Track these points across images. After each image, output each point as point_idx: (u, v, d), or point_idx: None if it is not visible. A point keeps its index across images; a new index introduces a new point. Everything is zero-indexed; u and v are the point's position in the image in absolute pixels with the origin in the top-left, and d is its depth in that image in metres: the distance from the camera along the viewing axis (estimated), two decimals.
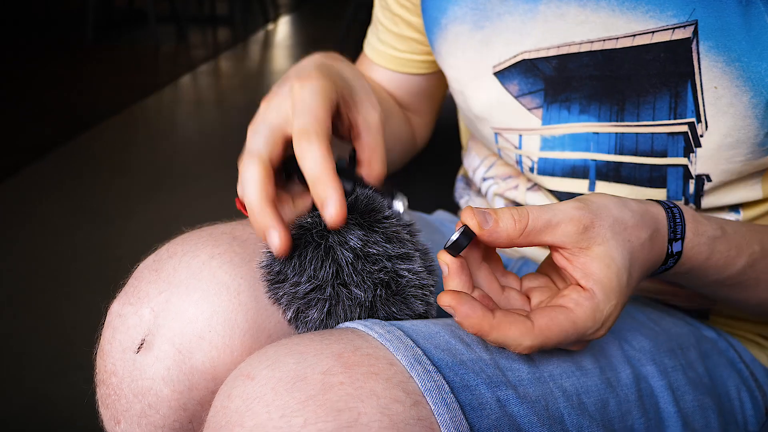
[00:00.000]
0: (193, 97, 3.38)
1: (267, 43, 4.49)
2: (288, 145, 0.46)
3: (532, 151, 0.61)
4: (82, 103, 3.07)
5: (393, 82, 0.74)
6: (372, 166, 0.49)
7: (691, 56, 0.50)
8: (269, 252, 0.46)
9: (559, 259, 0.42)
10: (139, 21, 4.63)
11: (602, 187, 0.59)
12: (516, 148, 0.63)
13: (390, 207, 0.48)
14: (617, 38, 0.53)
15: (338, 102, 0.48)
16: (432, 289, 0.48)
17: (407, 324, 0.44)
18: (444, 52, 0.64)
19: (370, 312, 0.46)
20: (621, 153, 0.56)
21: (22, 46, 4.02)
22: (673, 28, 0.50)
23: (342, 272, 0.45)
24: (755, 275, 0.50)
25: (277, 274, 0.46)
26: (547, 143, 0.60)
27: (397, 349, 0.40)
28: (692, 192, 0.55)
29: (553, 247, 0.43)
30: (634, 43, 0.52)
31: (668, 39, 0.50)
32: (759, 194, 0.56)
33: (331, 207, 0.42)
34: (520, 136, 0.62)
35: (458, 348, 0.43)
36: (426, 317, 0.48)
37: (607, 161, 0.57)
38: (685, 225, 0.45)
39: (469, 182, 0.78)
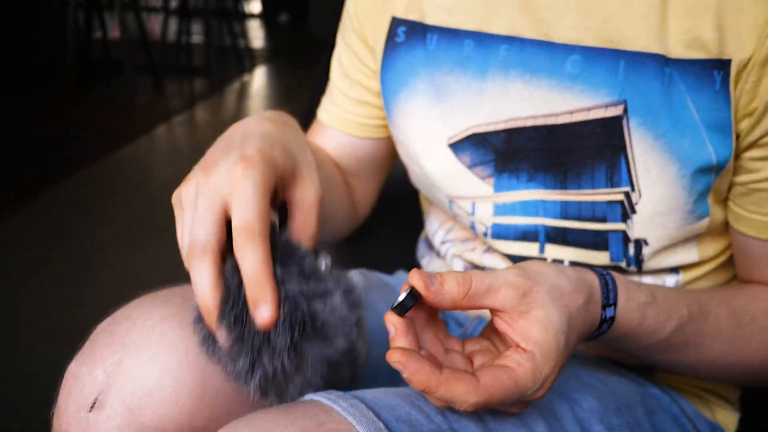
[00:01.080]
0: (169, 147, 3.42)
1: (243, 94, 4.56)
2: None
3: (486, 217, 0.65)
4: (56, 153, 3.09)
5: (344, 147, 0.76)
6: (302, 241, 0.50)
7: (623, 132, 0.54)
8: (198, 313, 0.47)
9: (499, 323, 0.45)
10: (116, 71, 4.69)
11: (551, 249, 0.63)
12: (469, 215, 0.67)
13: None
14: (557, 114, 0.57)
15: (277, 183, 0.48)
16: (352, 325, 0.48)
17: (370, 395, 0.47)
18: (401, 123, 0.68)
19: (296, 353, 0.45)
20: (566, 218, 0.61)
21: None
22: (606, 106, 0.55)
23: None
24: (684, 339, 0.53)
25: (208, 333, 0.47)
26: (499, 209, 0.64)
27: (360, 422, 0.43)
28: (632, 254, 0.60)
29: (494, 312, 0.45)
30: (573, 119, 0.57)
31: (602, 116, 0.55)
32: (696, 257, 0.61)
33: (264, 311, 0.42)
34: (474, 203, 0.66)
35: (418, 418, 0.46)
36: (354, 353, 0.48)
37: (555, 226, 0.62)
38: (617, 291, 0.49)
39: (430, 244, 0.81)
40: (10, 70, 4.70)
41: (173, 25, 5.46)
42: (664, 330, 0.52)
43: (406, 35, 0.66)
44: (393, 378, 0.60)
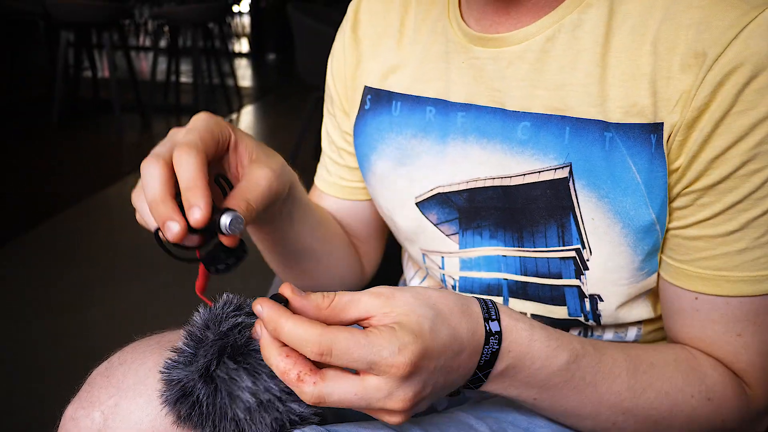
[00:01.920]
0: None
1: None
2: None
3: (454, 271, 0.69)
4: (43, 192, 3.10)
5: (342, 211, 0.82)
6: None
7: (570, 193, 0.58)
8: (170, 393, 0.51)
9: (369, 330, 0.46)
10: (104, 110, 4.73)
11: (514, 303, 0.66)
12: (440, 268, 0.70)
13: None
14: (511, 176, 0.61)
15: (229, 140, 0.56)
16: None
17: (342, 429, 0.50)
18: (374, 184, 0.73)
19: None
20: (526, 274, 0.64)
21: None
22: (555, 169, 0.58)
23: (240, 425, 0.50)
24: (581, 374, 0.53)
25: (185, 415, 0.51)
26: (465, 264, 0.68)
27: None
28: (589, 309, 0.63)
29: (363, 323, 0.47)
30: (525, 181, 0.60)
31: (551, 178, 0.58)
32: (652, 313, 0.64)
33: (197, 212, 0.47)
34: (443, 257, 0.69)
35: None
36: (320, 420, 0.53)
37: (516, 281, 0.65)
38: (498, 309, 0.51)
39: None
40: None
41: (162, 63, 5.53)
42: (558, 358, 0.52)
43: (372, 102, 0.71)
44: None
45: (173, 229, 0.47)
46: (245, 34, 9.65)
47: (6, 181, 3.23)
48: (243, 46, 9.49)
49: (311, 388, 0.43)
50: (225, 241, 0.52)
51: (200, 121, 0.54)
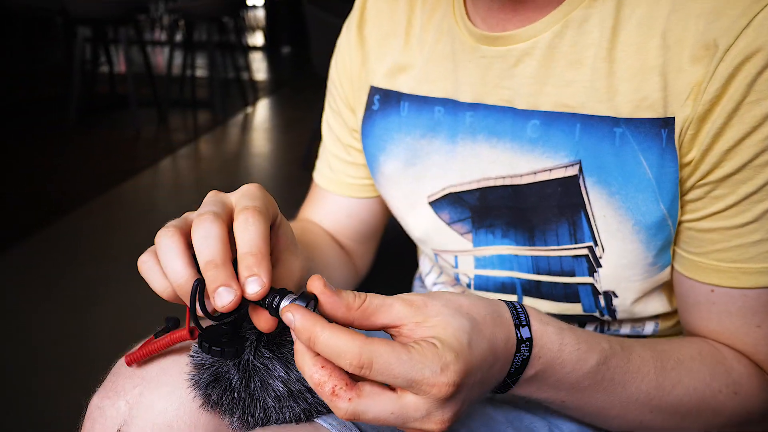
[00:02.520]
0: (173, 180, 3.47)
1: (246, 126, 4.63)
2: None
3: (468, 269, 0.69)
4: (63, 187, 3.14)
5: (345, 209, 0.80)
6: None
7: (581, 190, 0.58)
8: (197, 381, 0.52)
9: (402, 340, 0.44)
10: (121, 105, 4.76)
11: (528, 301, 0.66)
12: (453, 267, 0.70)
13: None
14: (522, 175, 0.61)
15: (275, 217, 0.50)
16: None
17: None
18: (384, 184, 0.72)
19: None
20: (538, 273, 0.64)
21: (3, 130, 4.10)
22: (566, 166, 0.58)
23: (269, 413, 0.51)
24: (610, 375, 0.52)
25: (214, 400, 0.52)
26: (480, 262, 0.68)
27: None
28: (604, 305, 0.62)
29: (392, 330, 0.44)
30: (536, 180, 0.60)
31: (562, 176, 0.58)
32: (668, 307, 0.63)
33: (258, 283, 0.43)
34: (456, 257, 0.69)
35: None
36: None
37: (529, 279, 0.65)
38: (528, 313, 0.49)
39: (423, 284, 0.85)
40: (17, 103, 4.78)
41: (178, 58, 5.55)
42: (587, 362, 0.51)
43: (381, 103, 0.71)
44: None
45: (226, 298, 0.43)
46: (260, 27, 9.66)
47: (26, 177, 3.28)
48: (257, 39, 9.50)
49: (346, 404, 0.41)
50: (264, 324, 0.47)
51: (258, 191, 0.49)
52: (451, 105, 0.65)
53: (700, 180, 0.53)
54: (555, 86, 0.58)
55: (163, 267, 0.45)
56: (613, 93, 0.55)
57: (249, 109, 5.08)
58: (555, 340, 0.50)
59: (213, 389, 0.51)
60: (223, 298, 0.43)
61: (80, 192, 3.06)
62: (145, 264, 0.48)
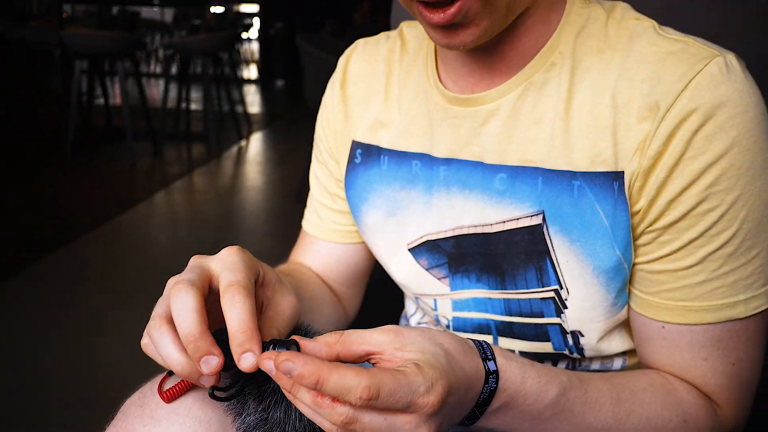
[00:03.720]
0: (168, 212, 3.52)
1: (240, 159, 4.70)
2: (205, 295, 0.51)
3: (447, 311, 0.74)
4: (58, 219, 3.19)
5: (334, 255, 0.84)
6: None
7: (545, 238, 0.63)
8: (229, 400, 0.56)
9: (384, 365, 0.48)
10: (117, 137, 4.83)
11: (503, 341, 0.70)
12: (433, 309, 0.75)
13: None
14: (492, 224, 0.66)
15: (257, 275, 0.54)
16: None
17: None
18: (367, 232, 0.77)
19: None
20: (510, 314, 0.69)
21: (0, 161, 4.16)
22: (531, 216, 0.63)
23: None
24: (569, 406, 0.56)
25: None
26: (457, 305, 0.72)
27: None
28: (572, 344, 0.67)
29: (373, 357, 0.48)
30: (505, 228, 0.65)
31: (528, 224, 0.63)
32: (631, 344, 0.68)
33: (251, 358, 0.47)
34: (435, 300, 0.74)
35: None
36: None
37: (502, 321, 0.70)
38: (492, 349, 0.54)
39: (409, 323, 0.89)
40: (14, 133, 4.83)
41: (173, 91, 5.63)
42: (548, 393, 0.55)
43: (363, 156, 0.76)
44: None
45: (211, 363, 0.47)
46: (254, 60, 9.79)
47: (22, 210, 3.32)
48: (252, 72, 9.63)
49: (344, 409, 0.44)
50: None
51: (237, 258, 0.53)
52: (427, 159, 0.70)
53: (648, 227, 0.59)
54: (519, 143, 0.63)
55: (161, 355, 0.50)
56: (570, 149, 0.60)
57: (243, 142, 5.16)
58: (518, 374, 0.55)
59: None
60: (209, 365, 0.47)
61: (76, 223, 3.11)
62: (149, 347, 0.52)
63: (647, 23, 0.61)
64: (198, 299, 0.49)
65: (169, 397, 0.56)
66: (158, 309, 0.52)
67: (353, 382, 0.43)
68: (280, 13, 8.62)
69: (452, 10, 0.55)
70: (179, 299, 0.49)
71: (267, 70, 8.94)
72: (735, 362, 0.61)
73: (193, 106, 5.52)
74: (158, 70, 9.27)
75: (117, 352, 2.01)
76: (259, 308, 0.56)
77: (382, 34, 0.80)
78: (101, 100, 5.27)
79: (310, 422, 0.55)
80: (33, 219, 3.18)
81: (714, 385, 0.62)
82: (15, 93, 4.99)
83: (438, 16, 0.55)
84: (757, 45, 0.93)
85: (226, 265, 0.52)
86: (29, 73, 5.04)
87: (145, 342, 0.52)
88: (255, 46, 10.02)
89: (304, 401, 0.46)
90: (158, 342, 0.50)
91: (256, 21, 9.57)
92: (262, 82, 8.91)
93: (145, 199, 3.57)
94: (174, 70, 6.18)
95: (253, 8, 10.05)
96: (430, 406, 0.45)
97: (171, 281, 0.52)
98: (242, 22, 9.94)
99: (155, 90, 7.85)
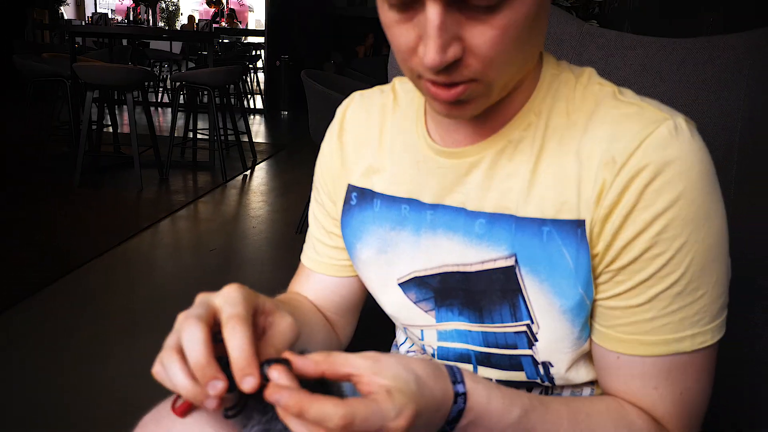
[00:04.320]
0: (173, 240, 3.60)
1: (244, 189, 4.78)
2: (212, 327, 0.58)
3: (432, 341, 0.81)
4: (65, 246, 3.26)
5: (329, 287, 0.91)
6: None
7: (517, 278, 0.70)
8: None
9: (361, 387, 0.55)
10: (124, 165, 4.94)
11: (482, 371, 0.77)
12: (420, 339, 0.82)
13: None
14: (472, 264, 0.73)
15: (255, 306, 0.60)
16: None
17: None
18: (360, 267, 0.85)
19: None
20: (488, 346, 0.75)
21: (9, 190, 4.25)
22: (506, 258, 0.70)
23: None
24: (531, 426, 0.63)
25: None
26: (441, 336, 0.79)
27: None
28: (543, 373, 0.74)
29: (354, 379, 0.55)
30: (483, 268, 0.72)
31: (503, 265, 0.71)
32: (594, 373, 0.75)
33: (252, 381, 0.53)
34: (422, 330, 0.81)
35: None
36: None
37: (481, 351, 0.76)
38: (462, 373, 0.61)
39: (399, 351, 0.96)
40: (23, 161, 4.94)
41: (180, 119, 5.75)
42: (511, 414, 0.62)
43: (357, 199, 0.84)
44: None
45: (217, 387, 0.53)
46: (260, 91, 9.96)
47: (29, 237, 3.40)
48: (258, 102, 9.78)
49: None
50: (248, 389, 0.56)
51: (237, 294, 0.59)
52: (415, 204, 0.78)
53: (606, 267, 0.67)
54: (496, 192, 0.71)
55: (171, 382, 0.56)
56: (540, 198, 0.68)
57: (247, 172, 5.26)
58: (484, 395, 0.62)
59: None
60: (215, 388, 0.53)
61: (83, 249, 3.19)
62: (160, 374, 0.59)
63: (609, 89, 0.70)
64: (205, 332, 0.55)
65: (182, 411, 0.63)
66: (169, 341, 0.58)
67: (331, 411, 0.50)
68: (285, 45, 8.80)
69: (458, 89, 0.61)
70: (188, 332, 0.55)
71: (272, 100, 9.09)
72: (682, 391, 0.68)
73: (200, 136, 5.63)
74: (166, 99, 9.43)
75: (123, 376, 2.08)
76: (261, 332, 0.62)
77: (376, 89, 0.89)
78: (109, 129, 5.39)
79: None
80: (41, 245, 3.26)
81: (663, 411, 0.68)
82: (26, 120, 5.10)
83: (445, 94, 0.62)
84: (725, 97, 1.02)
85: (227, 300, 0.58)
86: (39, 100, 5.16)
87: (157, 369, 0.58)
88: (261, 76, 10.19)
89: (291, 424, 0.53)
90: (169, 369, 0.56)
91: (262, 52, 9.75)
92: (267, 112, 9.05)
93: (150, 227, 3.66)
94: (181, 99, 6.32)
95: (259, 39, 10.25)
96: (399, 429, 0.52)
97: (180, 316, 0.59)
98: (249, 53, 10.12)
99: (162, 118, 7.98)
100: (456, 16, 0.57)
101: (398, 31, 0.61)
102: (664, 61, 1.10)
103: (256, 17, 15.13)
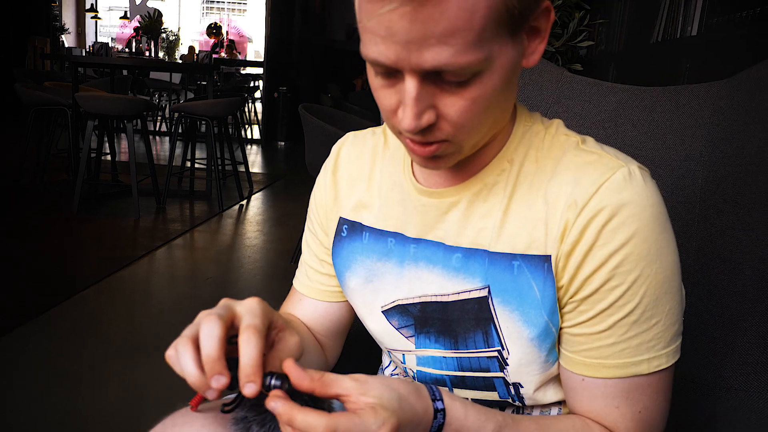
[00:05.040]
0: (169, 268, 3.65)
1: (240, 218, 4.85)
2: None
3: (412, 365, 0.87)
4: (64, 272, 3.31)
5: (319, 311, 0.97)
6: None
7: (490, 308, 0.76)
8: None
9: (349, 406, 0.61)
10: (122, 194, 5.01)
11: (457, 392, 0.83)
12: (402, 363, 0.89)
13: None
14: (449, 294, 0.79)
15: (270, 321, 0.67)
16: None
17: None
18: (349, 294, 0.92)
19: None
20: (462, 370, 0.82)
21: (8, 216, 4.31)
22: (480, 289, 0.77)
23: None
24: None
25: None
26: (420, 361, 0.86)
27: None
28: (514, 393, 0.81)
29: (343, 399, 0.61)
30: (459, 298, 0.78)
31: (477, 296, 0.77)
32: (561, 393, 0.82)
33: (253, 387, 0.60)
34: (404, 354, 0.88)
35: None
36: None
37: (456, 375, 0.83)
38: (440, 392, 0.68)
39: (384, 373, 1.02)
40: (23, 187, 5.00)
41: (179, 149, 5.83)
42: (486, 428, 0.68)
43: (348, 231, 0.91)
44: None
45: (220, 382, 0.60)
46: (257, 121, 10.08)
47: (27, 263, 3.45)
48: (255, 133, 9.90)
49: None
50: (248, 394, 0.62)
51: (258, 307, 0.66)
52: (400, 238, 0.85)
53: (570, 298, 0.74)
54: (472, 230, 0.78)
55: (181, 367, 0.62)
56: (511, 236, 0.75)
57: (244, 202, 5.33)
58: (461, 411, 0.69)
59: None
60: (218, 382, 0.60)
61: (82, 276, 3.24)
62: (171, 359, 0.63)
63: (573, 139, 0.78)
64: (222, 330, 0.61)
65: (195, 403, 0.69)
66: (188, 331, 0.65)
67: (316, 422, 0.57)
68: (284, 76, 8.94)
69: (432, 148, 0.70)
70: (207, 327, 0.62)
71: (269, 131, 9.20)
72: (641, 410, 0.75)
73: (198, 165, 5.71)
74: (164, 128, 9.54)
75: (119, 402, 2.12)
76: (270, 344, 0.69)
77: (369, 130, 0.97)
78: (108, 157, 5.47)
79: None
80: (40, 270, 3.31)
81: (624, 428, 0.75)
82: (25, 147, 5.17)
83: (421, 150, 0.70)
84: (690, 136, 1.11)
85: (248, 310, 0.65)
86: (40, 130, 5.24)
87: (170, 354, 0.64)
88: (258, 107, 10.31)
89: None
90: (182, 356, 0.63)
91: (260, 83, 9.89)
92: (264, 142, 9.16)
93: (147, 255, 3.71)
94: (180, 129, 6.41)
95: (258, 71, 10.40)
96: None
97: (203, 313, 0.66)
98: (247, 84, 10.28)
99: (159, 147, 8.07)
100: (431, 88, 0.65)
101: (382, 94, 0.69)
102: (635, 107, 1.19)
103: (255, 48, 15.33)
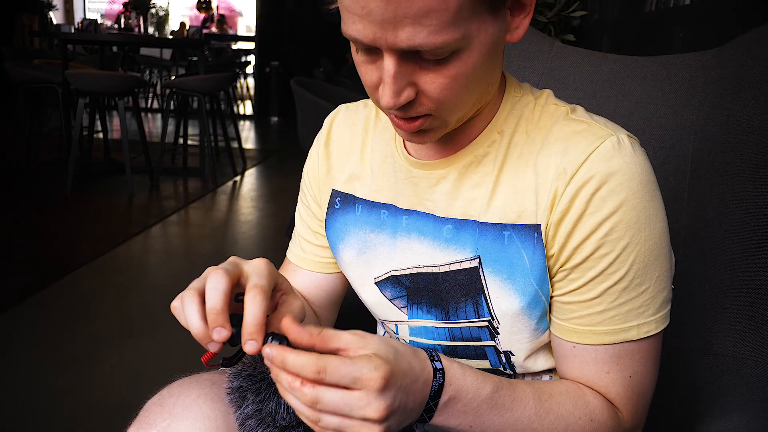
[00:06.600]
0: (163, 245, 3.66)
1: (234, 194, 4.85)
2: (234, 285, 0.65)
3: (405, 336, 0.88)
4: (58, 251, 3.32)
5: (312, 282, 0.98)
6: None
7: (480, 278, 0.76)
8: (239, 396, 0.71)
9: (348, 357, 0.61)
10: (115, 171, 4.99)
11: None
12: (395, 333, 0.90)
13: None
14: (440, 265, 0.79)
15: (276, 283, 0.69)
16: None
17: None
18: (343, 266, 0.93)
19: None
20: (454, 340, 0.83)
21: (1, 197, 4.30)
22: (470, 260, 0.78)
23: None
24: (502, 401, 0.70)
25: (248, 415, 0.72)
26: (413, 331, 0.87)
27: None
28: (505, 361, 0.82)
29: (342, 353, 0.61)
30: (450, 269, 0.78)
31: (468, 267, 0.78)
32: (552, 362, 0.83)
33: (254, 345, 0.61)
34: (397, 325, 0.89)
35: None
36: None
37: (447, 344, 0.84)
38: (438, 354, 0.68)
39: None
40: (15, 167, 4.98)
41: (171, 126, 5.79)
42: (484, 389, 0.69)
43: (341, 203, 0.92)
44: None
45: (221, 334, 0.61)
46: (250, 97, 10.01)
47: (22, 242, 3.46)
48: (248, 108, 9.84)
49: (309, 390, 0.57)
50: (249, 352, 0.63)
51: (265, 268, 0.67)
52: (392, 209, 0.85)
53: (560, 267, 0.75)
54: (462, 201, 0.79)
55: (186, 318, 0.65)
56: (501, 206, 0.76)
57: (237, 178, 5.32)
58: (459, 371, 0.69)
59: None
60: (219, 334, 0.62)
61: (75, 255, 3.24)
62: (177, 309, 0.66)
63: (563, 108, 0.78)
64: (228, 284, 0.63)
65: (206, 359, 0.69)
66: (195, 284, 0.66)
67: (306, 361, 0.58)
68: (275, 51, 8.86)
69: (416, 123, 0.71)
70: (214, 280, 0.63)
71: (262, 106, 9.15)
72: (631, 375, 0.76)
73: (190, 142, 5.68)
74: (156, 105, 9.47)
75: (117, 378, 2.14)
76: (274, 306, 0.70)
77: (361, 102, 0.97)
78: (100, 135, 5.44)
79: (294, 413, 0.70)
80: (33, 251, 3.32)
81: (615, 393, 0.77)
82: (17, 126, 5.14)
83: (405, 125, 0.71)
84: (683, 108, 1.11)
85: (255, 270, 0.66)
86: (31, 106, 5.20)
87: (176, 305, 0.66)
88: (251, 82, 10.24)
89: (283, 384, 0.60)
90: (187, 307, 0.64)
91: (252, 58, 9.81)
92: (257, 118, 9.11)
93: (142, 232, 3.72)
94: (172, 105, 6.37)
95: (250, 45, 10.31)
96: (375, 381, 0.58)
97: (210, 268, 0.67)
98: (239, 59, 10.19)
99: (152, 124, 8.03)
100: (410, 65, 0.65)
101: (365, 70, 0.70)
102: (627, 77, 1.19)
103: (246, 22, 15.16)
